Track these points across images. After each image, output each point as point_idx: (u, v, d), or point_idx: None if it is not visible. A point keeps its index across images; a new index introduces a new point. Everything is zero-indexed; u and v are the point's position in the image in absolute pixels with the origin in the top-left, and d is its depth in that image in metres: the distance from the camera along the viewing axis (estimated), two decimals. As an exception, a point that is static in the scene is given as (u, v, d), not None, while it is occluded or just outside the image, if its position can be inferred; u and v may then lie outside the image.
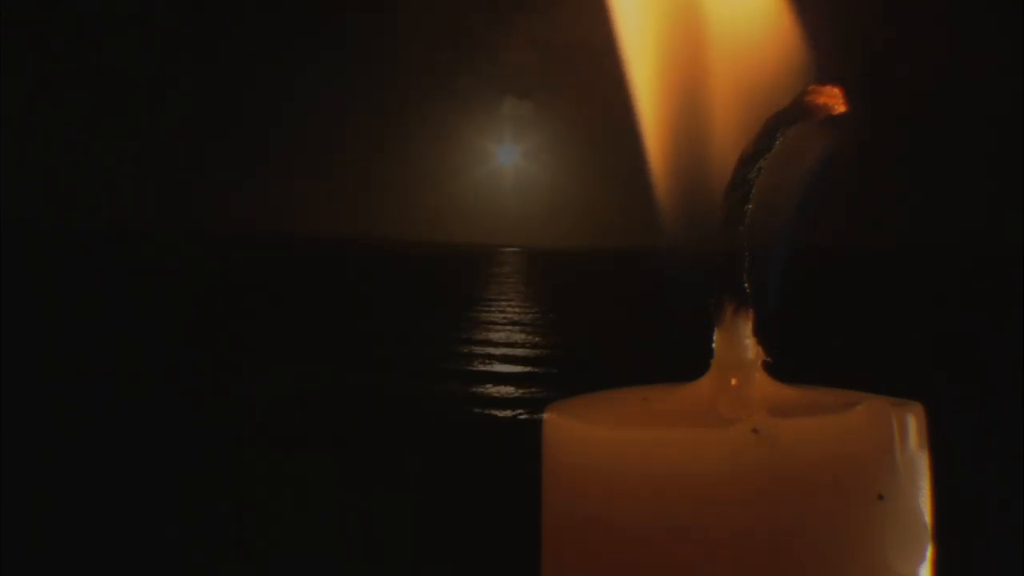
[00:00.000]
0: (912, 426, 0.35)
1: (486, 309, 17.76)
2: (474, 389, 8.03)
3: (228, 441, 5.54)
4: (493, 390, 8.00)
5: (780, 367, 0.37)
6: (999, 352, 8.99)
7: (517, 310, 17.55)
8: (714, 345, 0.37)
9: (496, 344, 11.58)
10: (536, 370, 9.28)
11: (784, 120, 0.35)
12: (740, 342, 0.36)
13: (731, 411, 0.34)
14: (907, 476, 0.34)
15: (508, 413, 6.88)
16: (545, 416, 0.37)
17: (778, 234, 0.39)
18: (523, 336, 12.70)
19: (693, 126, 0.39)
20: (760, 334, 0.36)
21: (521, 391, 7.93)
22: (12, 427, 5.50)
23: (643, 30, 0.39)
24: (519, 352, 10.84)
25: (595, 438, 0.35)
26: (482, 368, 9.48)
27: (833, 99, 0.35)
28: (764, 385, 0.36)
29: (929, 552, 0.34)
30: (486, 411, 6.97)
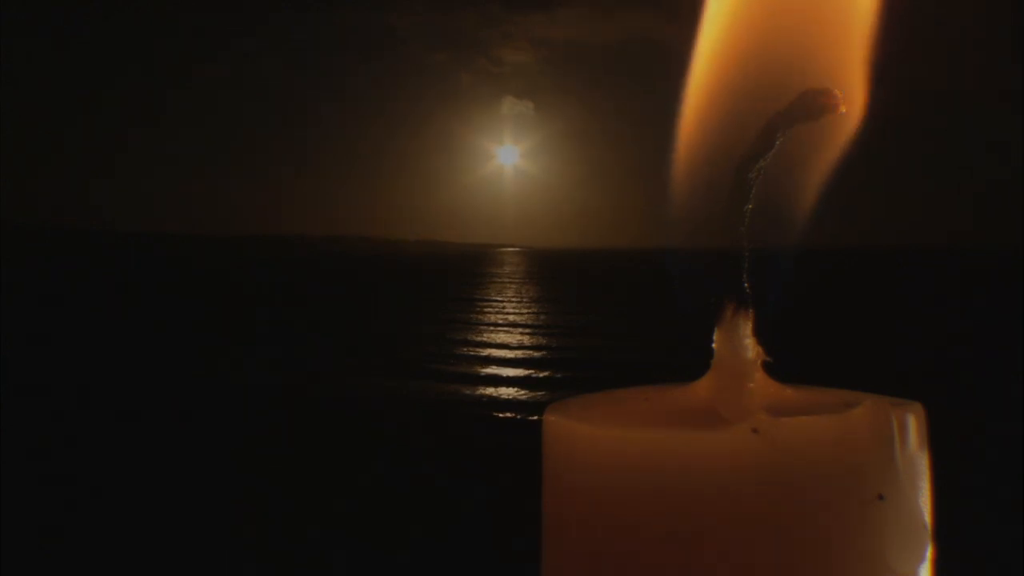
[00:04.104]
0: (912, 426, 0.35)
1: (486, 310, 17.75)
2: (474, 390, 8.02)
3: (227, 440, 5.54)
4: (493, 391, 7.99)
5: (780, 367, 0.37)
6: (999, 352, 8.98)
7: (517, 311, 17.54)
8: (714, 345, 0.36)
9: (496, 346, 11.58)
10: (536, 371, 9.28)
11: (784, 120, 0.35)
12: (740, 342, 0.36)
13: (731, 411, 0.34)
14: (907, 476, 0.34)
15: (508, 414, 6.88)
16: (545, 416, 0.37)
17: (779, 234, 0.39)
18: (523, 337, 12.69)
19: (700, 126, 0.39)
20: (760, 334, 0.36)
21: (521, 392, 7.93)
22: (11, 426, 5.49)
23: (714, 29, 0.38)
24: (519, 353, 10.84)
25: (595, 438, 0.34)
26: (482, 369, 9.48)
27: (833, 100, 0.35)
28: (764, 385, 0.36)
29: (929, 552, 0.34)
30: (486, 412, 6.97)
